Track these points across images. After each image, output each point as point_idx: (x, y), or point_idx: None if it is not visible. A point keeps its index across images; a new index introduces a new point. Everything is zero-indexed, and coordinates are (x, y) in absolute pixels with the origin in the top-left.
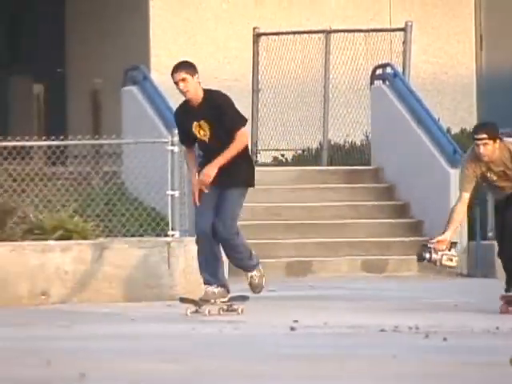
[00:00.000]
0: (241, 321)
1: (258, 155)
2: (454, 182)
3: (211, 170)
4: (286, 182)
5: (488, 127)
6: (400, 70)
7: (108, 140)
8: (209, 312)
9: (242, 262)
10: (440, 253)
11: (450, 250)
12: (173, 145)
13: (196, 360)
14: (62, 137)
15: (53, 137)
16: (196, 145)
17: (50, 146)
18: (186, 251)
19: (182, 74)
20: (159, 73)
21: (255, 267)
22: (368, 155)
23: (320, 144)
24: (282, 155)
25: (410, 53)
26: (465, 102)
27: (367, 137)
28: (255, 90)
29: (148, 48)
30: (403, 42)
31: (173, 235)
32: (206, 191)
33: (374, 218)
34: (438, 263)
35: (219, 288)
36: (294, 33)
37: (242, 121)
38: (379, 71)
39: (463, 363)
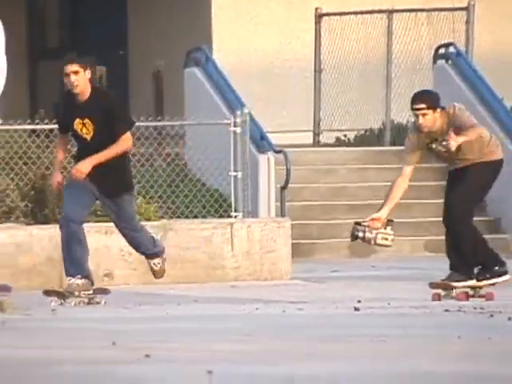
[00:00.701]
0: (304, 301)
1: (321, 135)
2: None
3: (84, 167)
4: (348, 163)
5: (426, 96)
6: (463, 49)
7: (171, 122)
8: (75, 304)
9: (147, 251)
10: (375, 231)
11: (385, 228)
12: (235, 126)
13: (262, 340)
14: None
15: None
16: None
17: None
18: (248, 232)
19: (75, 67)
20: (222, 53)
21: (158, 254)
22: None
23: (383, 124)
24: (345, 135)
25: (473, 32)
26: None
27: None
28: (317, 71)
29: (210, 29)
30: (466, 22)
31: (235, 216)
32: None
33: (436, 199)
34: (372, 242)
35: (83, 280)
36: (356, 13)
37: (129, 124)
38: (442, 50)
39: None
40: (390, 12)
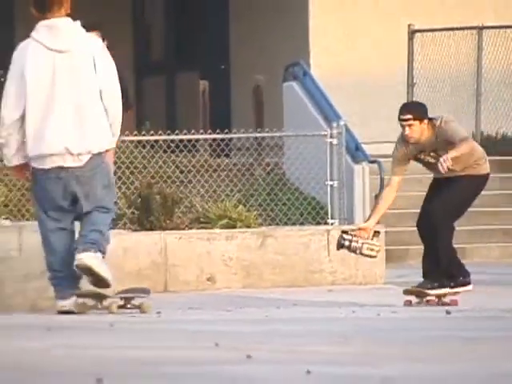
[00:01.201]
0: (397, 305)
1: None
2: None
3: None
4: None
5: (413, 107)
6: None
7: (270, 133)
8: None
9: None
10: (361, 241)
11: (372, 238)
12: (332, 137)
13: (359, 342)
14: (226, 130)
15: (217, 130)
16: None
17: (214, 139)
18: None
19: None
20: (319, 68)
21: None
22: None
23: (473, 135)
24: None
25: None
26: None
27: None
28: (410, 85)
29: (308, 44)
30: None
31: (332, 223)
32: None
33: None
34: (357, 252)
35: None
36: (448, 29)
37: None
38: None
39: None
40: (480, 29)
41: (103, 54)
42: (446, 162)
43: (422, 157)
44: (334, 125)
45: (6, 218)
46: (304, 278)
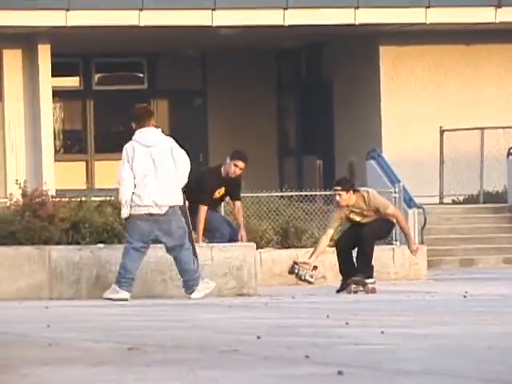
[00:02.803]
0: (435, 292)
1: (444, 198)
2: None
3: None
4: (459, 214)
5: (342, 182)
6: None
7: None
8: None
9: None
10: (305, 271)
11: (312, 270)
12: (395, 193)
13: (419, 314)
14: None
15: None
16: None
17: (325, 195)
18: (403, 252)
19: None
20: (389, 152)
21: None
22: None
23: (478, 193)
24: (457, 198)
25: None
26: None
27: None
28: (441, 162)
29: (381, 137)
30: None
31: (396, 244)
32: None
33: None
34: (302, 278)
35: None
36: (463, 129)
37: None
38: None
39: None
40: (482, 129)
41: (176, 145)
42: (415, 251)
43: (352, 216)
44: (396, 185)
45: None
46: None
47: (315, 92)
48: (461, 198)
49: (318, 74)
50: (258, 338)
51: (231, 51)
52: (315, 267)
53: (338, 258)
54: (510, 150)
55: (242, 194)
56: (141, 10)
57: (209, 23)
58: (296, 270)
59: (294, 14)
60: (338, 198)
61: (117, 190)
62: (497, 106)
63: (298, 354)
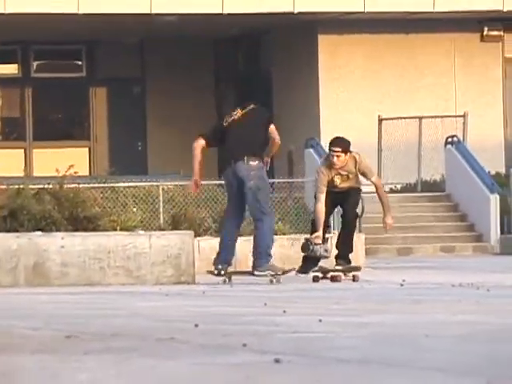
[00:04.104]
0: (373, 280)
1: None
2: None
3: None
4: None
5: (342, 142)
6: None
7: (299, 179)
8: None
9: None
10: (318, 246)
11: (324, 243)
12: None
13: (354, 302)
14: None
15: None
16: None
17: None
18: None
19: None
20: (328, 141)
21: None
22: None
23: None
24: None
25: None
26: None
27: None
28: (380, 150)
29: (319, 122)
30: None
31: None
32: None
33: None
34: (317, 253)
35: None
36: (399, 118)
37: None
38: (450, 140)
39: (500, 303)
40: (420, 118)
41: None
42: (389, 226)
43: (336, 179)
44: None
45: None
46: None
47: (254, 80)
48: (399, 187)
49: (257, 63)
50: (196, 326)
51: (170, 39)
52: (326, 239)
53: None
54: (447, 139)
55: (177, 183)
56: None
57: (147, 11)
58: (311, 247)
59: (232, 2)
60: (335, 159)
61: (55, 177)
62: (434, 95)
63: (235, 342)
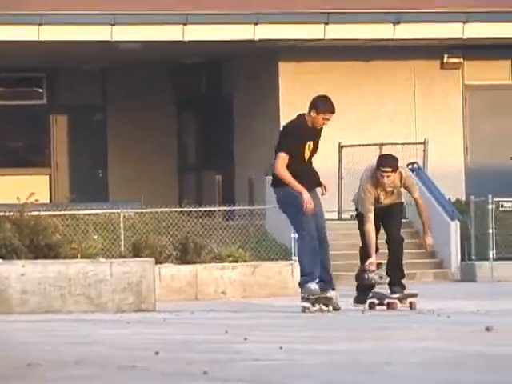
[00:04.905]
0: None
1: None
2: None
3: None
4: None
5: (393, 161)
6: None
7: (259, 206)
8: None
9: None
10: (372, 274)
11: (378, 269)
12: None
13: (315, 331)
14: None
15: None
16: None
17: (225, 210)
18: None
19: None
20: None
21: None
22: None
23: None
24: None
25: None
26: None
27: None
28: (340, 178)
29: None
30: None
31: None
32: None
33: None
34: (373, 281)
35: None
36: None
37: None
38: (410, 166)
39: (460, 330)
40: (381, 145)
41: None
42: (430, 244)
43: (381, 196)
44: None
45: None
46: (278, 293)
47: (215, 108)
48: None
49: (218, 90)
50: (157, 353)
51: (131, 67)
52: (380, 264)
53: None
54: (408, 165)
55: (140, 210)
56: (40, 25)
57: (108, 38)
58: (366, 276)
59: (193, 29)
60: (385, 179)
61: (15, 205)
62: (395, 122)
63: (196, 370)
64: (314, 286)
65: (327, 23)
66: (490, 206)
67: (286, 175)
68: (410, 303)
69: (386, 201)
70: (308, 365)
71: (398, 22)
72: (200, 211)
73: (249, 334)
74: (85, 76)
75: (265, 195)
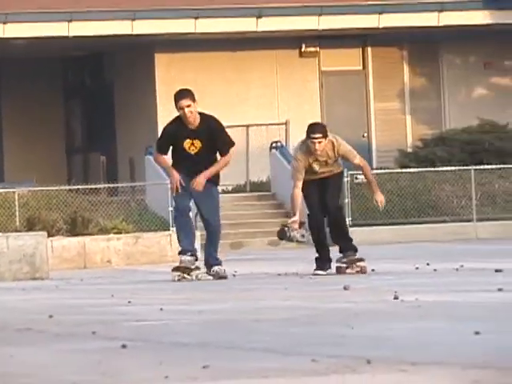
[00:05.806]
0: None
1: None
2: None
3: (203, 179)
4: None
5: (321, 127)
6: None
7: (138, 183)
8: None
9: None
10: (295, 231)
11: (301, 228)
12: None
13: (191, 293)
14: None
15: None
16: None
17: (109, 187)
18: None
19: (188, 101)
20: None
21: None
22: None
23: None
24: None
25: None
26: None
27: None
28: None
29: (157, 132)
30: None
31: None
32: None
33: None
34: (294, 239)
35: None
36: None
37: (232, 143)
38: (274, 145)
39: (320, 289)
40: (247, 126)
41: None
42: (380, 202)
43: (314, 165)
44: None
45: None
46: (159, 260)
47: (98, 96)
48: (230, 188)
49: (101, 80)
50: (50, 316)
51: (23, 60)
52: (302, 223)
53: (313, 231)
54: (271, 144)
55: (33, 189)
56: None
57: (1, 35)
58: (287, 234)
59: (77, 25)
60: (317, 146)
61: None
62: (260, 106)
63: (85, 331)
64: (183, 257)
65: (197, 17)
66: (345, 179)
67: (161, 162)
68: (360, 267)
69: (321, 171)
70: (185, 324)
71: (260, 16)
72: (87, 189)
73: (132, 297)
74: None
75: (145, 173)
